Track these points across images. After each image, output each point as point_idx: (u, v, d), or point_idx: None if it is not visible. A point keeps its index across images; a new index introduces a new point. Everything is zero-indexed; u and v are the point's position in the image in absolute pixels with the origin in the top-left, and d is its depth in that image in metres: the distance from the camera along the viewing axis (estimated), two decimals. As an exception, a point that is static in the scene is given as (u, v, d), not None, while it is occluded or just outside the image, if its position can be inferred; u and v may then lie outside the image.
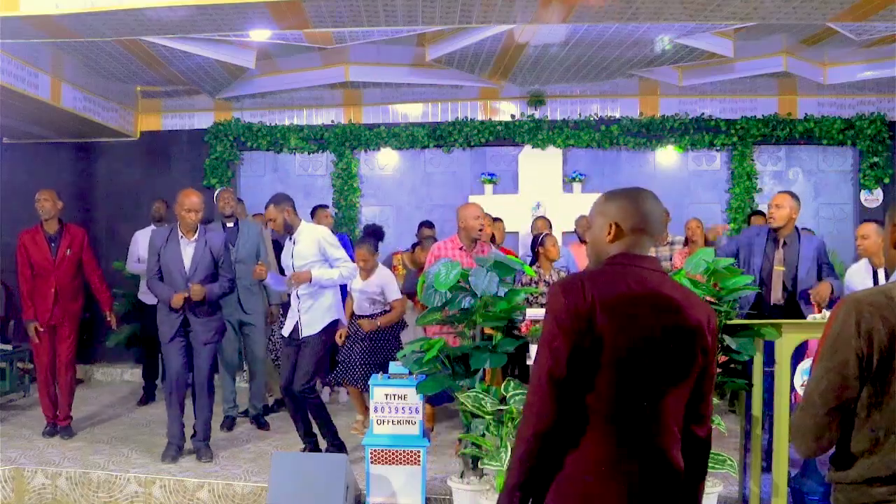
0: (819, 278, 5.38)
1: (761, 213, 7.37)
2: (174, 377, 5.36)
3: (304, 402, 5.17)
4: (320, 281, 5.12)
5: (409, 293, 6.22)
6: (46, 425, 6.06)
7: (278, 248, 6.34)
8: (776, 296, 5.32)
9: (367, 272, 5.98)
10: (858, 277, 5.34)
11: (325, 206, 7.67)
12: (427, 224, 7.60)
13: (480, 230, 5.42)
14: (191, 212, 5.26)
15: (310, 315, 5.20)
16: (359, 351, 5.93)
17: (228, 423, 6.29)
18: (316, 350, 5.17)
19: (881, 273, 5.16)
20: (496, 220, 7.09)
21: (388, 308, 6.01)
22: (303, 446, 5.32)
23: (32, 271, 5.95)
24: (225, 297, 5.55)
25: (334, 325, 5.35)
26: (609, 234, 2.11)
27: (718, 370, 4.42)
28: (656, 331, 1.97)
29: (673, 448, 2.02)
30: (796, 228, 5.45)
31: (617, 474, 1.95)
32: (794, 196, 5.45)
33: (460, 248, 5.39)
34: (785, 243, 5.37)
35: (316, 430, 5.30)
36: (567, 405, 1.94)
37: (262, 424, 6.32)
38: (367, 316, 5.99)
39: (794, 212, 5.35)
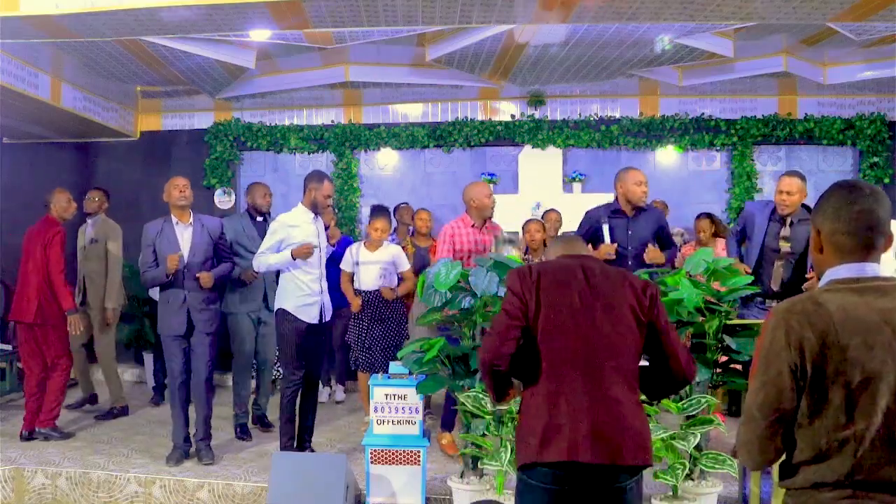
0: None
1: None
2: (177, 376, 5.35)
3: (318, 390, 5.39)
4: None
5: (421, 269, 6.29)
6: (57, 429, 6.02)
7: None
8: (777, 280, 5.19)
9: (377, 244, 6.06)
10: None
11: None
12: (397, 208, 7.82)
13: (491, 207, 5.57)
14: (181, 189, 5.34)
15: (326, 297, 5.32)
16: (376, 335, 5.98)
17: (246, 430, 6.05)
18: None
19: None
20: None
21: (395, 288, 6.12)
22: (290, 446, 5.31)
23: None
24: (229, 277, 5.58)
25: None
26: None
27: (718, 370, 4.43)
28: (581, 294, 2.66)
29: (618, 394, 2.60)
30: (803, 205, 5.30)
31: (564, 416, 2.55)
32: (802, 178, 5.33)
33: (472, 226, 5.51)
34: (792, 222, 5.26)
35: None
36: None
37: (266, 425, 6.27)
38: (376, 290, 6.02)
39: (804, 195, 5.23)
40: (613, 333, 2.60)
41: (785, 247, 5.15)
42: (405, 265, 6.12)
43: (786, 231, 5.21)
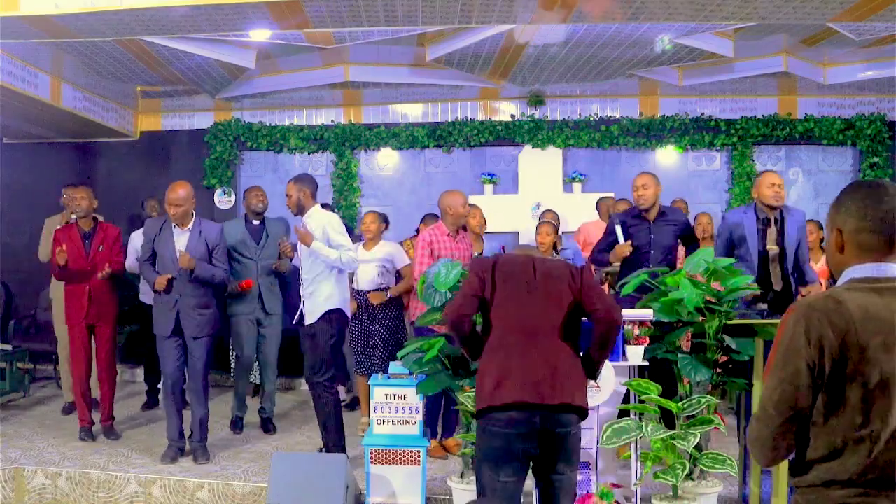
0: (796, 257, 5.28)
1: None
2: (170, 377, 5.37)
3: (317, 397, 5.09)
4: (318, 252, 5.03)
5: None
6: (82, 429, 5.94)
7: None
8: (776, 282, 5.18)
9: (373, 241, 6.11)
10: None
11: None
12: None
13: (466, 217, 5.62)
14: (171, 206, 5.29)
15: (311, 302, 5.12)
16: (375, 337, 5.98)
17: (240, 425, 6.18)
18: (318, 340, 5.07)
19: None
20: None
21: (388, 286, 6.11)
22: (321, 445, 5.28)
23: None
24: (216, 286, 5.49)
25: (337, 314, 5.17)
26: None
27: (718, 370, 4.43)
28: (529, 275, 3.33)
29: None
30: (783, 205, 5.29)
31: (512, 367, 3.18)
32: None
33: (447, 235, 5.53)
34: (775, 220, 5.23)
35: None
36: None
37: (268, 429, 6.24)
38: (375, 290, 6.00)
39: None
40: (551, 300, 3.26)
41: (773, 249, 5.17)
42: (403, 261, 6.14)
43: (772, 232, 5.20)
